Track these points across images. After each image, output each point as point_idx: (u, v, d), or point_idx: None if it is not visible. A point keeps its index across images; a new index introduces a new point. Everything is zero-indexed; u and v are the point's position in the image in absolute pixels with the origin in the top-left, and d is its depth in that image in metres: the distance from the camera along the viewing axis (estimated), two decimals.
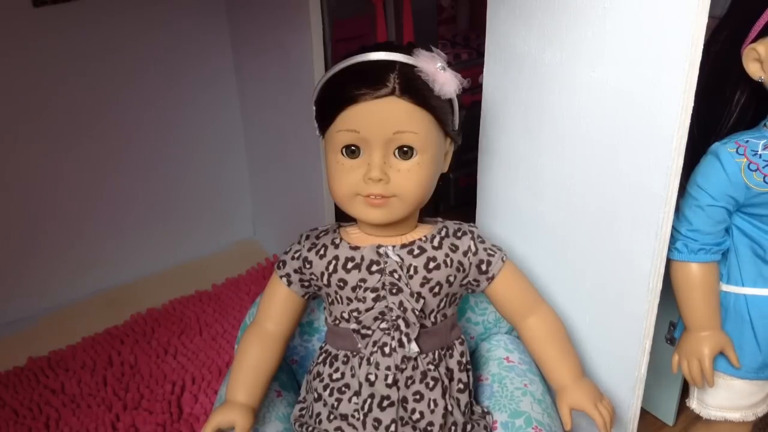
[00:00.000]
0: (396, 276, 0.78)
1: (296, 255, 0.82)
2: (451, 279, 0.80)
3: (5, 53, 1.30)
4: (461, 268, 0.81)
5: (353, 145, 0.74)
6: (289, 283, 0.83)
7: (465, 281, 0.83)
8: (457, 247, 0.81)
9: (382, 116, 0.72)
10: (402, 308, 0.77)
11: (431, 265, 0.79)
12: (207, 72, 1.54)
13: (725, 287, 0.88)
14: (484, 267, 0.83)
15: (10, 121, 1.35)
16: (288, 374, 0.94)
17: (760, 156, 0.80)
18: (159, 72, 1.48)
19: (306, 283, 0.83)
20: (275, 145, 1.51)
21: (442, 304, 0.80)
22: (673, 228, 0.84)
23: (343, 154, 0.75)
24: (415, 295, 0.78)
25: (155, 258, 1.62)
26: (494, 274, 0.83)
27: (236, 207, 1.72)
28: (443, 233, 0.81)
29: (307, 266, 0.81)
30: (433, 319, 0.80)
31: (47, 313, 1.49)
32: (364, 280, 0.78)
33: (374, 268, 0.78)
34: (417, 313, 0.78)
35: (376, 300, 0.78)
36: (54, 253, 1.49)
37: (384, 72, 0.72)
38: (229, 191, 1.69)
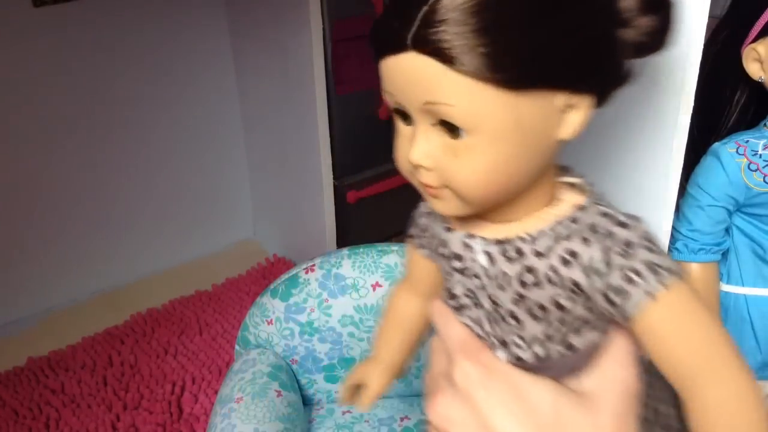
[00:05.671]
0: (478, 284, 0.53)
1: (416, 216, 0.61)
2: (563, 302, 0.49)
3: (5, 53, 1.30)
4: (577, 292, 0.48)
5: (400, 109, 0.49)
6: (418, 246, 0.61)
7: (596, 308, 0.49)
8: (574, 258, 0.48)
9: (405, 79, 0.46)
10: (480, 327, 0.54)
11: (527, 278, 0.49)
12: (207, 72, 1.54)
13: (725, 287, 0.88)
14: (614, 298, 0.47)
15: (9, 121, 1.35)
16: (288, 374, 0.94)
17: (760, 156, 0.80)
18: (159, 72, 1.48)
19: (426, 247, 0.61)
20: (275, 145, 1.51)
21: (554, 332, 0.50)
22: (673, 228, 0.84)
23: (398, 116, 0.50)
24: (506, 314, 0.51)
25: (155, 258, 1.62)
26: (630, 314, 0.47)
27: (236, 207, 1.72)
28: (564, 229, 0.49)
29: (419, 230, 0.61)
30: (539, 351, 0.51)
31: (47, 313, 1.49)
32: (449, 273, 0.56)
33: (456, 264, 0.54)
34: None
35: (456, 308, 0.56)
36: (54, 254, 1.49)
37: (409, 12, 0.44)
38: (229, 191, 1.69)
